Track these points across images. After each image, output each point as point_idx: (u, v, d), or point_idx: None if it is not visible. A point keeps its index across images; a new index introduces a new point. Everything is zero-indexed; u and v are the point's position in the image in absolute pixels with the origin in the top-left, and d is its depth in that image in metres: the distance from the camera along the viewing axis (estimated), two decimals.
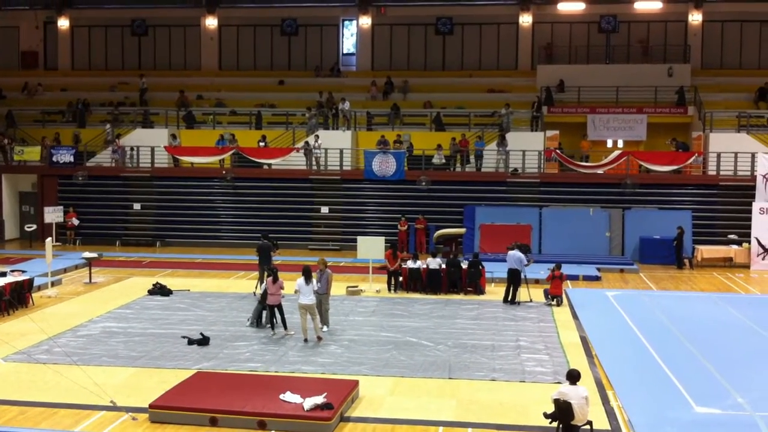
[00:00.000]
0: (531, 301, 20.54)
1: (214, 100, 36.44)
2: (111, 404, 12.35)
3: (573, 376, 10.67)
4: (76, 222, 30.88)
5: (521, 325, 18.20)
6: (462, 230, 27.53)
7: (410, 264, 22.27)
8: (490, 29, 37.82)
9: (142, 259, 27.81)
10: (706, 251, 26.92)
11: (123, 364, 14.79)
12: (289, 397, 11.99)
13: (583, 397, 10.47)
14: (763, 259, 26.33)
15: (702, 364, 14.95)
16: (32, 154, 32.29)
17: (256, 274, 22.52)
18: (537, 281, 22.18)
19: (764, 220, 26.35)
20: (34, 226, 30.50)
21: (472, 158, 30.70)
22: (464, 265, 22.00)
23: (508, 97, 34.41)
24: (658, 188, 28.95)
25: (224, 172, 30.98)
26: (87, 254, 23.74)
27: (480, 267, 21.85)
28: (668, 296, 21.85)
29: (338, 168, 30.81)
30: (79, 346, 16.00)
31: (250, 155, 31.04)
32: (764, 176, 26.98)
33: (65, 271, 24.53)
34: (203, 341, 16.21)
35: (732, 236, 27.67)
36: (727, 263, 26.85)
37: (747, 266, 26.45)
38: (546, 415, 10.69)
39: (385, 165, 29.78)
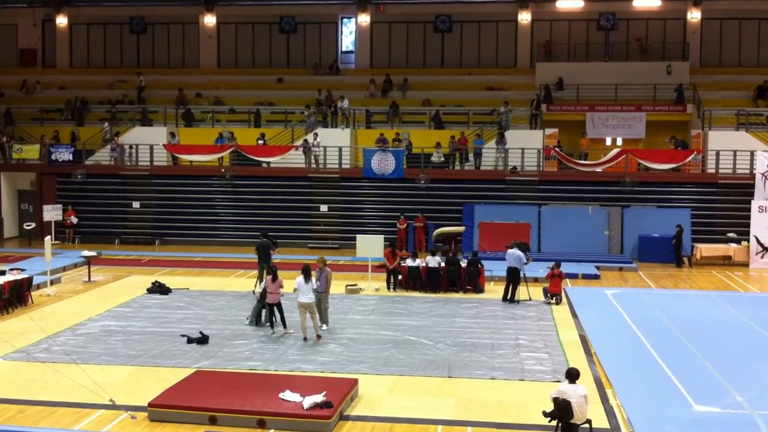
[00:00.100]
0: (530, 299, 20.53)
1: (212, 98, 36.41)
2: (110, 403, 12.35)
3: (572, 375, 10.68)
4: (74, 220, 30.85)
5: (520, 323, 18.20)
6: (461, 228, 27.52)
7: (409, 262, 22.27)
8: (489, 27, 37.81)
9: (141, 257, 27.80)
10: (705, 249, 26.92)
11: (122, 363, 14.79)
12: (288, 395, 11.99)
13: (582, 395, 10.47)
14: (762, 257, 26.33)
15: (701, 363, 14.96)
16: (31, 152, 32.27)
17: (255, 272, 22.53)
18: (536, 279, 22.20)
19: (763, 218, 26.34)
20: (33, 225, 30.48)
21: (471, 156, 30.70)
22: (463, 264, 21.99)
23: (507, 95, 34.41)
24: (657, 186, 28.95)
25: (223, 170, 30.96)
26: (86, 252, 23.72)
27: (479, 265, 21.85)
28: (667, 294, 21.85)
29: (337, 166, 30.80)
30: (78, 345, 16.00)
31: (249, 153, 31.02)
32: (763, 174, 26.98)
33: (64, 269, 24.52)
34: (202, 340, 16.20)
35: (731, 234, 27.66)
36: (726, 261, 26.85)
37: (746, 264, 26.46)
38: (545, 414, 10.69)
39: (384, 163, 29.78)
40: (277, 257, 22.79)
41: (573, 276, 23.66)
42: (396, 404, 12.60)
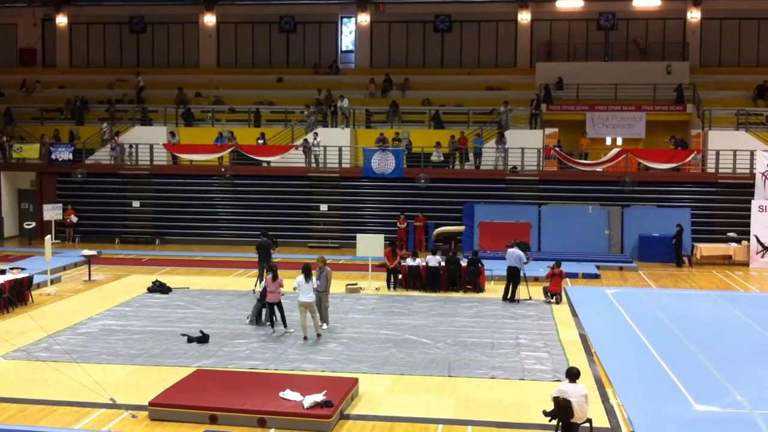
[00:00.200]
0: (530, 298, 20.54)
1: (212, 98, 36.41)
2: (110, 402, 12.35)
3: (572, 374, 10.67)
4: (74, 219, 30.85)
5: (521, 322, 18.20)
6: (461, 228, 27.52)
7: (409, 262, 22.28)
8: (489, 27, 37.80)
9: (141, 256, 27.79)
10: (705, 249, 26.93)
11: (122, 362, 14.79)
12: (288, 394, 12.00)
13: (582, 395, 10.47)
14: (762, 256, 26.33)
15: (701, 362, 14.96)
16: (31, 151, 32.26)
17: (255, 271, 22.54)
18: (536, 279, 22.22)
19: (763, 217, 26.34)
20: (34, 224, 30.46)
21: (471, 156, 30.70)
22: (463, 263, 21.99)
23: (507, 94, 34.40)
24: (657, 186, 28.96)
25: (223, 169, 30.96)
26: (86, 252, 23.72)
27: (479, 265, 21.85)
28: (667, 294, 21.86)
29: (337, 166, 30.80)
30: (79, 344, 16.00)
31: (248, 153, 31.02)
32: (763, 174, 26.99)
33: (65, 268, 24.52)
34: (203, 339, 16.21)
35: (731, 234, 27.67)
36: (726, 261, 26.85)
37: (746, 264, 26.46)
38: (545, 413, 10.69)
39: (384, 163, 29.78)
40: (277, 256, 22.81)
41: (573, 275, 23.67)
42: (396, 403, 12.60)
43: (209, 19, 38.98)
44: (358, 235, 22.77)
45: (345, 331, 17.20)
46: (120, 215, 31.71)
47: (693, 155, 29.37)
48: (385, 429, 11.62)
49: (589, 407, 10.64)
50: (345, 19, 39.15)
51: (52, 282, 22.20)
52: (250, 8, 39.28)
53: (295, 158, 30.79)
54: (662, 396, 12.96)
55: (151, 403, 11.97)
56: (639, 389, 13.31)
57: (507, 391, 13.22)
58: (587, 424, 10.68)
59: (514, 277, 20.47)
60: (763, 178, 26.97)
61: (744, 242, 26.93)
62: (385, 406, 12.51)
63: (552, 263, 20.66)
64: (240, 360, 14.96)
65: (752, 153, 28.16)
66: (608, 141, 33.54)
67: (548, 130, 31.87)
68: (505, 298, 20.49)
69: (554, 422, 10.64)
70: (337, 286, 20.33)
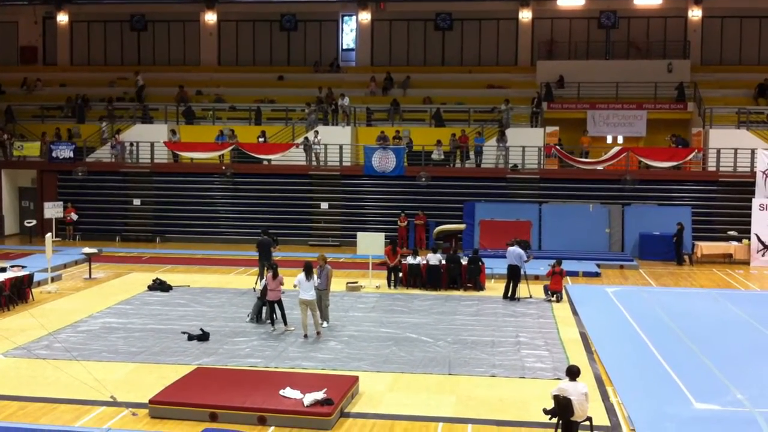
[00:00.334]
0: (531, 297, 20.54)
1: (213, 96, 36.40)
2: (111, 400, 12.36)
3: (573, 372, 10.67)
4: (74, 217, 30.86)
5: (521, 321, 18.21)
6: (462, 226, 27.54)
7: (410, 260, 22.28)
8: (490, 25, 37.76)
9: (141, 254, 27.81)
10: (705, 247, 26.93)
11: (123, 360, 14.80)
12: (289, 392, 12.00)
13: (582, 393, 10.47)
14: (763, 255, 26.32)
15: (701, 361, 14.96)
16: (32, 149, 32.28)
17: (256, 269, 22.54)
18: (537, 277, 22.22)
19: (764, 216, 26.33)
20: (34, 222, 30.48)
21: (471, 154, 30.69)
22: (464, 261, 22.00)
23: (508, 92, 34.39)
24: (658, 184, 28.94)
25: (224, 167, 30.96)
26: (87, 250, 23.75)
27: (480, 263, 21.85)
28: (668, 292, 21.86)
29: (338, 164, 30.80)
30: (79, 342, 16.02)
31: (249, 151, 31.02)
32: (764, 172, 26.98)
33: (65, 266, 24.53)
34: (203, 337, 16.22)
35: (732, 232, 27.67)
36: (727, 259, 26.85)
37: (747, 262, 26.45)
38: (546, 411, 10.70)
39: (384, 161, 29.78)
40: (277, 254, 22.83)
41: (574, 274, 23.67)
42: (396, 401, 12.61)
43: (210, 17, 38.95)
44: (359, 234, 22.78)
45: (345, 329, 17.21)
46: (121, 213, 31.72)
47: (694, 154, 29.35)
48: (385, 427, 11.62)
49: (589, 405, 10.64)
50: (346, 17, 39.12)
51: (53, 280, 22.21)
52: (250, 6, 39.25)
53: (295, 156, 30.80)
54: (662, 394, 12.96)
55: (151, 401, 11.98)
56: (639, 387, 13.32)
57: (507, 390, 13.22)
58: (587, 423, 10.68)
59: (514, 276, 20.48)
60: (764, 176, 26.95)
61: (745, 241, 26.93)
62: (385, 404, 12.51)
63: (552, 261, 20.67)
64: (240, 358, 14.97)
65: (753, 151, 28.16)
66: (609, 139, 33.53)
67: (549, 129, 31.85)
68: (505, 296, 20.49)
69: (554, 420, 10.65)
70: (338, 284, 20.34)
